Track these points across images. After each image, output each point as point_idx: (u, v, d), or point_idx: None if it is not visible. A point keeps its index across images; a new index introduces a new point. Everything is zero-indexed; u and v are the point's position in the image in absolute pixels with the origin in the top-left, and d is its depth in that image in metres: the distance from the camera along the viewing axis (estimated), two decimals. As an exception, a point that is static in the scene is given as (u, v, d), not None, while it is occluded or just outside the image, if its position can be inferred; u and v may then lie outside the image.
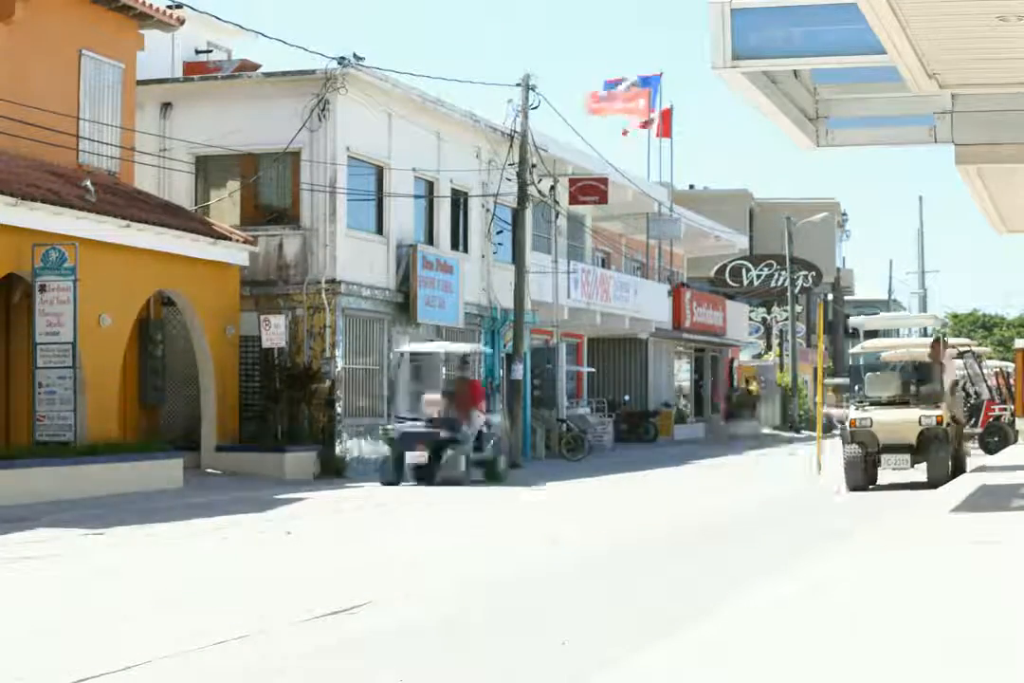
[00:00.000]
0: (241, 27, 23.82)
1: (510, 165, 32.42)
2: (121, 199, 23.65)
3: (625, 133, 45.08)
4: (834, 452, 27.64)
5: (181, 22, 26.27)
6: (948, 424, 21.13)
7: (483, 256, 33.01)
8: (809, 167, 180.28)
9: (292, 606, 9.66)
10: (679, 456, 35.02)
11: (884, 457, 20.77)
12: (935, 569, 9.65)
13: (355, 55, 26.49)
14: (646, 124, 45.15)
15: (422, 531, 16.38)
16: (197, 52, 30.50)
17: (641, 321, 42.51)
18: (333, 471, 25.88)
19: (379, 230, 28.85)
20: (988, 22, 12.14)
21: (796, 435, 49.95)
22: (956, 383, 23.74)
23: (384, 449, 25.44)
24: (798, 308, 58.80)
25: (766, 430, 53.49)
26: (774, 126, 17.71)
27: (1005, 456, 27.47)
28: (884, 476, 21.15)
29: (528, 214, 33.16)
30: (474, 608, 9.72)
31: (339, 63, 26.48)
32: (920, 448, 20.72)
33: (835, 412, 33.17)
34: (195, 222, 25.37)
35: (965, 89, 15.81)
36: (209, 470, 24.86)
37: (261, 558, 13.40)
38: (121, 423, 22.94)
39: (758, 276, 57.33)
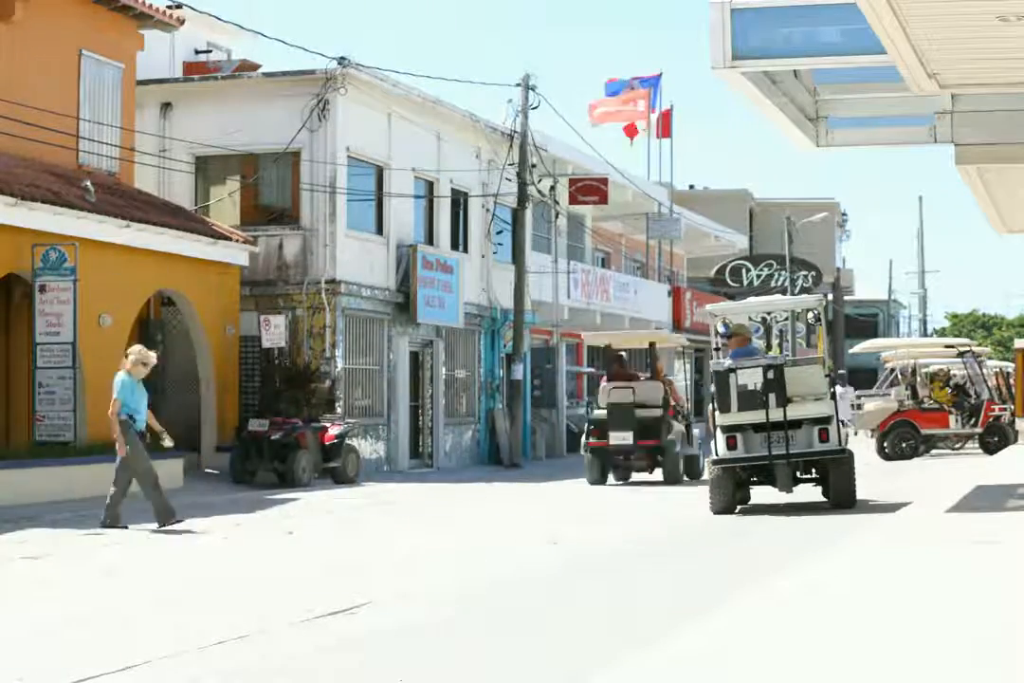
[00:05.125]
0: (241, 27, 23.82)
1: (510, 165, 32.43)
2: (121, 199, 23.66)
3: (632, 135, 44.98)
4: None
5: (181, 22, 26.27)
6: None
7: (483, 256, 33.01)
8: (809, 167, 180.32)
9: (292, 606, 9.66)
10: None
11: None
12: (935, 569, 9.64)
13: (342, 59, 26.46)
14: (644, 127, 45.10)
15: (422, 530, 16.37)
16: (197, 52, 30.50)
17: (641, 321, 42.51)
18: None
19: (379, 230, 28.84)
20: (988, 22, 12.14)
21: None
22: None
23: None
24: (798, 308, 58.70)
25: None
26: (774, 126, 17.72)
27: (1005, 456, 27.48)
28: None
29: (528, 214, 33.17)
30: (474, 608, 9.71)
31: (339, 63, 26.48)
32: None
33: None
34: (195, 222, 25.37)
35: (965, 89, 15.82)
36: (209, 470, 24.85)
37: (261, 558, 13.40)
38: (121, 423, 22.91)
39: (758, 276, 57.33)
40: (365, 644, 8.31)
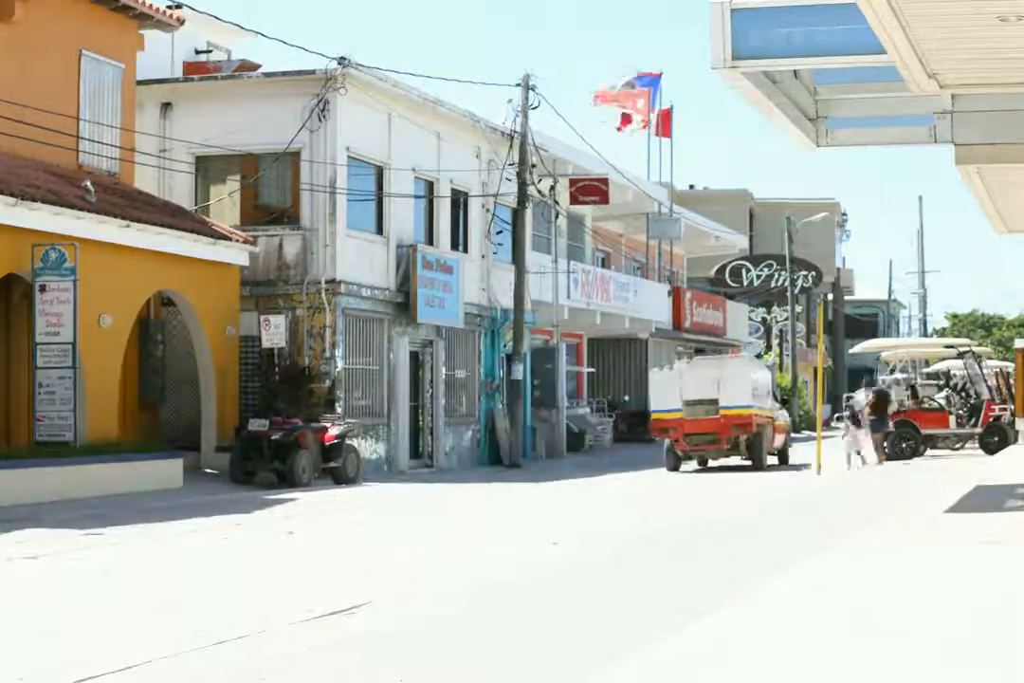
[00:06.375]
0: (241, 27, 23.81)
1: (510, 165, 32.42)
2: (121, 199, 23.66)
3: (622, 128, 44.96)
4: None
5: (181, 22, 26.27)
6: None
7: (483, 256, 33.01)
8: (809, 167, 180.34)
9: (292, 606, 9.66)
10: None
11: None
12: (935, 569, 9.64)
13: (342, 59, 26.48)
14: (643, 125, 45.13)
15: (422, 530, 16.38)
16: (197, 52, 30.50)
17: (641, 321, 42.51)
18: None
19: (379, 230, 28.84)
20: (988, 22, 12.14)
21: (796, 435, 49.93)
22: None
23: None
24: (798, 308, 58.84)
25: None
26: (774, 126, 17.72)
27: (1005, 456, 27.48)
28: None
29: (528, 214, 33.16)
30: (474, 608, 9.72)
31: (339, 63, 26.48)
32: None
33: None
34: (195, 222, 25.36)
35: (965, 89, 15.81)
36: (209, 470, 24.86)
37: (261, 558, 13.40)
38: (121, 423, 22.94)
39: (758, 276, 57.34)
40: (365, 644, 8.31)
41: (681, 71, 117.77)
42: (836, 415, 35.65)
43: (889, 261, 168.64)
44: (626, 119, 44.72)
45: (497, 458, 32.26)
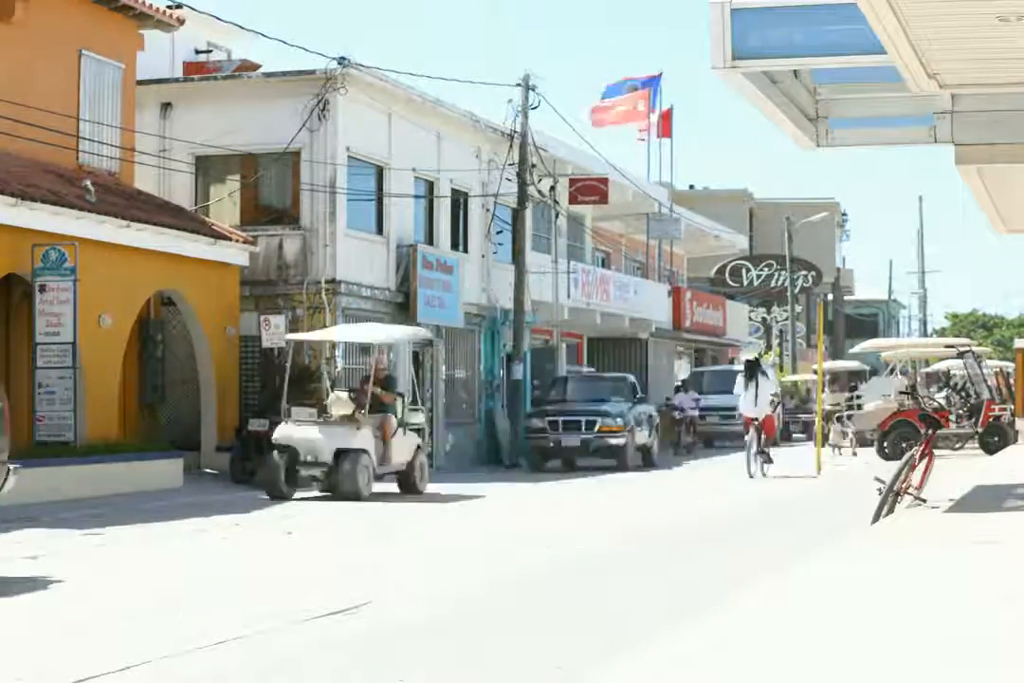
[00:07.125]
0: (241, 27, 23.81)
1: (510, 165, 32.41)
2: (121, 199, 23.66)
3: (642, 137, 45.20)
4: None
5: (181, 22, 26.27)
6: None
7: (483, 256, 33.00)
8: (809, 167, 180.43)
9: (292, 606, 9.67)
10: (676, 458, 35.04)
11: None
12: (934, 569, 9.64)
13: (342, 59, 26.48)
14: (646, 128, 45.26)
15: (420, 530, 16.38)
16: (197, 52, 30.49)
17: (641, 321, 42.51)
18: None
19: (379, 230, 28.84)
20: (988, 22, 12.12)
21: (797, 435, 49.94)
22: None
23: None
24: (798, 308, 58.84)
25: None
26: (774, 126, 17.71)
27: (1005, 456, 27.47)
28: None
29: (528, 214, 33.15)
30: (474, 608, 9.72)
31: (339, 63, 26.48)
32: None
33: None
34: (195, 222, 25.37)
35: (965, 89, 15.79)
36: (209, 470, 24.86)
37: (261, 558, 13.40)
38: (121, 423, 22.94)
39: (758, 276, 57.35)
40: (365, 644, 8.31)
41: (681, 71, 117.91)
42: (837, 415, 35.58)
43: (889, 261, 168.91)
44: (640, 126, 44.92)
45: (497, 458, 32.26)
